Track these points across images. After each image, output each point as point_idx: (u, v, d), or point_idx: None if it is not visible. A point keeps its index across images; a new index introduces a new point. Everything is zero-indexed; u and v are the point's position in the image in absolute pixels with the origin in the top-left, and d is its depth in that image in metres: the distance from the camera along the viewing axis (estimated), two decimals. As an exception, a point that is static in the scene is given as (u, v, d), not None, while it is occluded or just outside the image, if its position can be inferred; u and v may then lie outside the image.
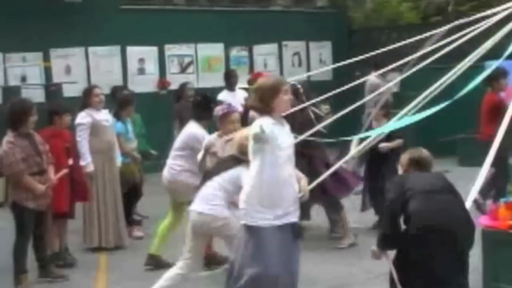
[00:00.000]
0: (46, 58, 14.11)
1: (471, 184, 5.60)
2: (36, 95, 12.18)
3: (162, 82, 15.19)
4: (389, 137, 8.68)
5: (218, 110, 7.48)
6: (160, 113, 13.00)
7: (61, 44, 14.16)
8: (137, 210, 10.30)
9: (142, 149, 10.32)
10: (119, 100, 9.75)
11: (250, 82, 10.94)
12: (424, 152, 5.50)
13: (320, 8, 19.10)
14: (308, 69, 17.24)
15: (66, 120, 8.37)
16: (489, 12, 7.04)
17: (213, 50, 16.19)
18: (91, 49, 14.61)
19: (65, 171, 7.92)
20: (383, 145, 8.81)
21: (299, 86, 8.68)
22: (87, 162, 8.78)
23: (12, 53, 13.65)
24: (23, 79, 13.77)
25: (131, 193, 9.76)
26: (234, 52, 16.58)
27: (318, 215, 9.22)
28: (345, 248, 8.54)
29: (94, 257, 8.72)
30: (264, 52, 16.99)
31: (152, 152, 10.66)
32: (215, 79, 15.03)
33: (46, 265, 7.87)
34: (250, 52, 16.83)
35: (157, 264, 7.93)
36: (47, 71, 14.10)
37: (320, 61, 17.56)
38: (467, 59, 7.09)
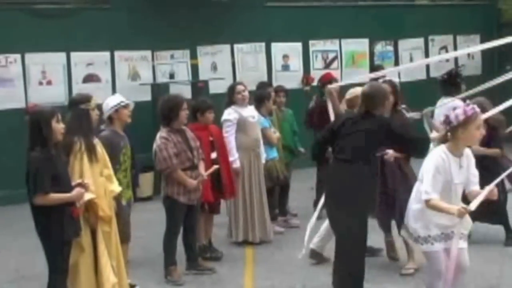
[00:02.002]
0: (193, 56, 14.37)
1: None
2: (183, 91, 12.40)
3: (307, 78, 15.15)
4: None
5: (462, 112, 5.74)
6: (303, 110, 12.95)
7: (208, 42, 14.39)
8: (288, 207, 10.28)
9: (290, 146, 10.30)
10: (256, 96, 9.74)
11: (323, 82, 10.47)
12: None
13: (468, 0, 18.53)
14: (456, 64, 16.69)
15: (208, 117, 8.42)
16: None
17: (358, 45, 16.03)
18: (236, 46, 14.78)
19: (215, 167, 8.01)
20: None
21: (396, 82, 8.06)
22: (234, 158, 8.86)
23: (161, 51, 13.98)
24: (171, 76, 14.08)
25: (275, 189, 9.78)
26: (379, 47, 16.34)
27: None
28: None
29: (240, 251, 8.80)
30: (410, 47, 16.65)
31: (300, 150, 10.56)
32: (360, 75, 14.85)
33: (194, 258, 8.01)
34: (395, 47, 16.54)
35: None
36: (194, 68, 14.36)
37: (469, 55, 17.00)
38: None
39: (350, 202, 6.34)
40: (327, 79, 10.31)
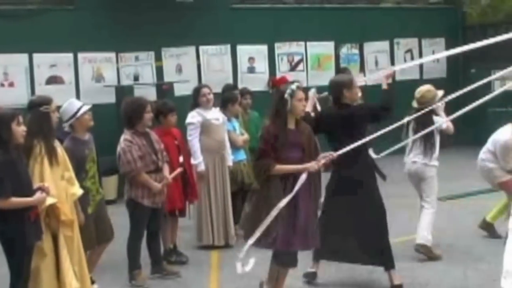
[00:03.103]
0: (158, 57, 14.27)
1: None
2: (148, 94, 12.28)
3: (273, 81, 15.11)
4: None
5: None
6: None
7: (173, 43, 14.31)
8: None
9: (255, 148, 10.20)
10: (222, 99, 9.70)
11: (274, 84, 10.69)
12: None
13: (433, 3, 18.65)
14: (421, 67, 16.85)
15: (171, 119, 8.39)
16: None
17: (324, 48, 16.04)
18: (202, 48, 14.70)
19: (179, 170, 7.99)
20: None
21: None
22: (198, 161, 8.81)
23: (125, 52, 13.86)
24: (136, 78, 13.97)
25: (240, 192, 9.71)
26: (345, 49, 16.37)
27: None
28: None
29: (205, 255, 8.75)
30: (375, 50, 16.71)
31: None
32: (326, 77, 14.85)
33: (159, 262, 7.94)
34: (361, 50, 16.58)
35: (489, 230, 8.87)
36: (159, 70, 14.26)
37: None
38: None
39: (371, 185, 7.13)
40: (281, 83, 10.43)
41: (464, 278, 7.39)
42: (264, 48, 15.43)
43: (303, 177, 6.07)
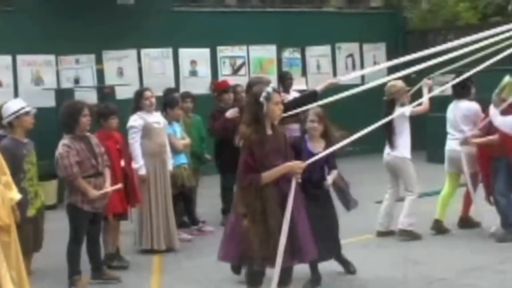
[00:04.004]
0: (99, 60, 14.13)
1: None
2: (89, 97, 12.15)
3: (215, 84, 15.08)
4: None
5: None
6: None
7: (114, 46, 14.18)
8: (196, 214, 10.16)
9: (196, 152, 10.19)
10: (162, 103, 9.64)
11: (216, 88, 10.78)
12: None
13: (374, 8, 18.88)
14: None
15: (112, 122, 8.29)
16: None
17: (266, 52, 16.10)
18: (143, 51, 14.61)
19: (119, 186, 7.85)
20: None
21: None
22: (139, 165, 8.74)
23: (65, 55, 13.68)
24: (76, 81, 13.80)
25: (180, 196, 9.68)
26: (287, 53, 16.45)
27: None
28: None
29: (147, 260, 8.65)
30: (317, 54, 16.82)
31: (207, 156, 10.48)
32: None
33: (99, 267, 7.83)
34: (303, 54, 16.68)
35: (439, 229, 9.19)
36: (100, 73, 14.12)
37: (374, 63, 17.31)
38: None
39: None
40: (223, 87, 10.53)
41: (404, 280, 7.45)
42: (206, 51, 15.41)
43: (293, 184, 5.70)
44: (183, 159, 9.54)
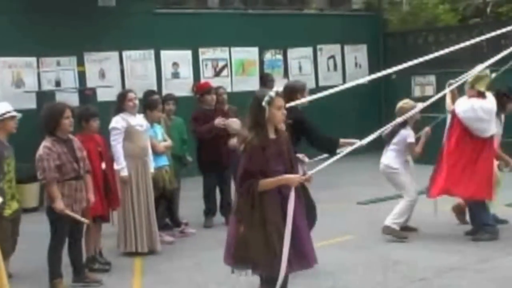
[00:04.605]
0: (80, 62, 14.08)
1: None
2: (71, 99, 12.09)
3: (197, 86, 15.09)
4: None
5: None
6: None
7: (95, 48, 14.13)
8: (178, 216, 10.15)
9: (178, 154, 10.18)
10: (144, 104, 9.62)
11: (198, 89, 10.86)
12: None
13: (356, 10, 18.98)
14: (344, 73, 17.14)
15: (93, 124, 8.26)
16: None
17: (248, 54, 16.13)
18: (125, 53, 14.58)
19: (87, 221, 7.75)
20: None
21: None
22: (121, 166, 8.72)
23: (46, 57, 13.62)
24: (57, 83, 13.73)
25: (161, 199, 9.66)
26: (269, 55, 16.48)
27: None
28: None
29: (128, 262, 8.63)
30: (299, 56, 16.87)
31: (188, 159, 10.48)
32: (250, 83, 15.01)
33: (80, 270, 7.80)
34: (285, 56, 16.72)
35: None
36: (82, 76, 14.07)
37: (356, 64, 17.41)
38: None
39: None
40: (204, 88, 10.55)
41: (384, 280, 7.49)
42: (188, 53, 15.40)
43: (292, 195, 5.60)
44: (164, 161, 9.53)
